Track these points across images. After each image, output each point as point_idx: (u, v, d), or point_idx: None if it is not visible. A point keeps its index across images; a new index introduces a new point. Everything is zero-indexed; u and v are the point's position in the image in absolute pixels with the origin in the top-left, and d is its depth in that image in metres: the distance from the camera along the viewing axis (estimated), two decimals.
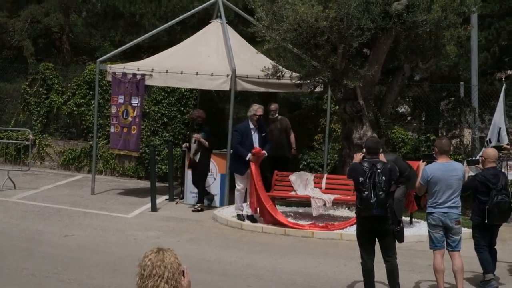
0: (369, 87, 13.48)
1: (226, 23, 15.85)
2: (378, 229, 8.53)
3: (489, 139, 13.60)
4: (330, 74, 13.15)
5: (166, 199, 15.39)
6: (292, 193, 13.63)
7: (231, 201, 14.11)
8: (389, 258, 8.60)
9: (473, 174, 10.12)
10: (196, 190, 14.67)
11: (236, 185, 13.48)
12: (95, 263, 10.34)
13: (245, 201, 13.45)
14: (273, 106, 15.53)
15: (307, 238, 12.32)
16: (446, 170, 8.84)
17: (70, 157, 19.10)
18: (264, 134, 13.64)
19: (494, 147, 12.16)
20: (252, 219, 13.21)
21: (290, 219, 13.08)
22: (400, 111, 18.26)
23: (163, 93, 17.82)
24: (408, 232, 11.11)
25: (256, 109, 13.59)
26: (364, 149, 8.92)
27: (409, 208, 12.79)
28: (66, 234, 12.18)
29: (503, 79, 16.13)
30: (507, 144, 12.78)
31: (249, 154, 13.08)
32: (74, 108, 19.22)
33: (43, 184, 16.94)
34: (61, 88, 19.58)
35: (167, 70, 14.87)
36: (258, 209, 13.15)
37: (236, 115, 15.46)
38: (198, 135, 14.36)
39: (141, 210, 14.39)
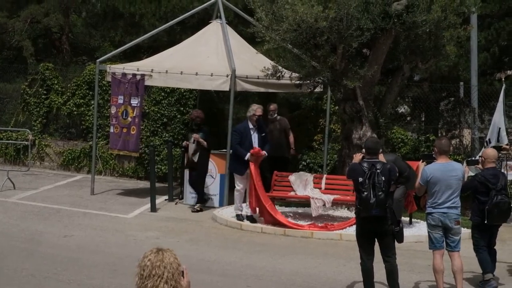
0: (368, 87, 13.49)
1: (226, 23, 15.85)
2: (377, 230, 8.53)
3: (489, 139, 13.61)
4: (330, 75, 13.15)
5: (165, 200, 15.39)
6: (292, 193, 13.63)
7: (231, 202, 14.12)
8: (388, 258, 8.61)
9: (472, 174, 10.12)
10: (193, 190, 14.68)
11: (236, 185, 13.48)
12: (95, 263, 10.34)
13: (244, 201, 13.45)
14: (272, 107, 15.54)
15: (307, 238, 12.32)
16: (445, 171, 8.84)
17: (70, 157, 19.10)
18: (263, 134, 13.64)
19: (494, 147, 12.16)
20: (251, 219, 13.21)
21: (289, 220, 13.08)
22: (400, 112, 18.27)
23: (162, 94, 17.83)
24: (407, 232, 11.11)
25: (256, 109, 13.59)
26: (363, 150, 8.93)
27: (409, 208, 12.79)
28: (66, 234, 12.18)
29: (503, 80, 16.13)
30: (507, 145, 12.78)
31: (248, 154, 13.08)
32: (74, 109, 19.21)
33: (42, 185, 16.93)
34: (61, 89, 19.58)
35: (166, 71, 14.87)
36: (257, 209, 13.15)
37: (235, 115, 15.46)
38: (197, 135, 14.36)
39: (141, 210, 14.39)
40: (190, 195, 14.86)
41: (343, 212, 13.90)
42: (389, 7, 12.44)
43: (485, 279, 9.42)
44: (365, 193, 8.34)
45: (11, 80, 21.55)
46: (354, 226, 9.42)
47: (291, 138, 15.59)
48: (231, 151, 13.92)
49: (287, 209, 14.15)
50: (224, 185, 14.68)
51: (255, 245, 11.82)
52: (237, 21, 17.93)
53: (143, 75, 14.96)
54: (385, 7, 12.44)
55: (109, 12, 22.93)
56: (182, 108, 17.65)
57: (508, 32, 17.24)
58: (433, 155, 9.20)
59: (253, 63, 14.96)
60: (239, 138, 13.40)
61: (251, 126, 13.53)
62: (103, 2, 23.22)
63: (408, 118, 18.32)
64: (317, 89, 14.90)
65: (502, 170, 11.94)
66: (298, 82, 13.97)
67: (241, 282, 9.67)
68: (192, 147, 14.45)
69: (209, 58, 15.19)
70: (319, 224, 12.83)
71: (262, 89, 15.36)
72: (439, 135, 16.61)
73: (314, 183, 13.55)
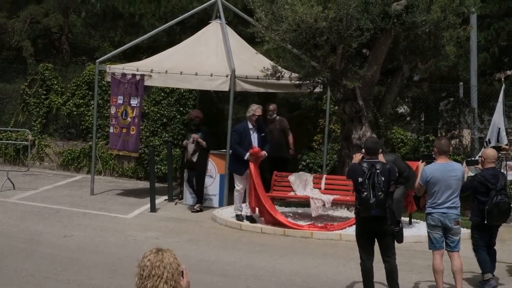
0: (368, 87, 13.49)
1: (226, 23, 15.85)
2: (377, 230, 8.54)
3: (489, 139, 13.60)
4: (330, 75, 13.16)
5: (165, 200, 15.39)
6: (291, 193, 13.63)
7: (230, 202, 14.12)
8: (388, 258, 8.61)
9: (472, 174, 10.12)
10: (191, 190, 14.68)
11: (236, 185, 13.48)
12: (94, 263, 10.34)
13: (244, 201, 13.45)
14: (271, 107, 15.55)
15: (306, 238, 12.32)
16: (445, 171, 8.84)
17: (70, 157, 19.10)
18: (263, 134, 13.64)
19: (493, 147, 12.16)
20: (251, 219, 13.21)
21: (289, 220, 13.08)
22: (400, 112, 18.27)
23: (162, 94, 17.83)
24: (407, 232, 11.10)
25: (255, 109, 13.59)
26: (363, 150, 8.93)
27: (408, 208, 12.79)
28: (66, 234, 12.18)
29: (503, 80, 16.13)
30: (506, 145, 12.79)
31: (248, 154, 13.08)
32: (74, 109, 19.21)
33: (42, 185, 16.93)
34: (61, 89, 19.58)
35: (166, 71, 14.87)
36: (256, 209, 13.15)
37: (235, 115, 15.46)
38: (196, 135, 14.36)
39: (140, 210, 14.39)
40: (189, 195, 14.86)
41: (343, 212, 13.91)
42: (388, 7, 12.44)
43: (485, 279, 9.43)
44: (365, 193, 8.34)
45: (10, 81, 21.54)
46: (354, 226, 9.42)
47: (290, 138, 15.59)
48: (230, 151, 13.92)
49: (286, 209, 14.15)
50: (223, 185, 14.68)
51: (255, 245, 11.82)
52: (236, 21, 17.92)
53: (142, 75, 14.96)
54: (385, 7, 12.44)
55: (108, 12, 22.92)
56: (181, 108, 17.65)
57: (507, 32, 17.24)
58: (433, 155, 9.20)
59: (252, 63, 14.96)
60: (239, 138, 13.40)
61: (250, 126, 13.52)
62: (103, 2, 23.22)
63: (408, 118, 18.32)
64: (317, 89, 14.90)
65: (502, 170, 11.94)
66: (297, 82, 13.97)
67: (240, 282, 9.67)
68: (191, 147, 14.45)
69: (209, 58, 15.20)
70: (319, 224, 12.83)
71: (261, 89, 15.36)
72: (439, 135, 16.61)
73: (313, 183, 13.55)
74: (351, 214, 13.05)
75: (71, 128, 19.76)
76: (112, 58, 17.43)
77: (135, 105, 15.09)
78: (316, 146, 16.88)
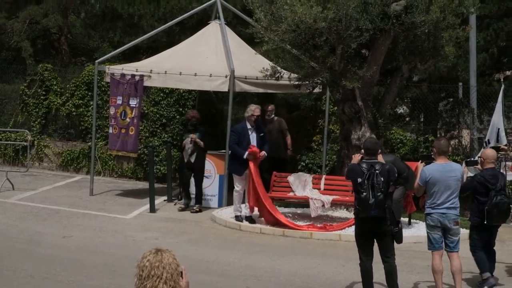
0: (367, 88, 13.49)
1: (225, 24, 15.85)
2: (376, 230, 8.54)
3: (488, 139, 13.61)
4: (329, 75, 13.16)
5: (164, 200, 15.39)
6: (291, 194, 13.63)
7: (230, 202, 14.11)
8: (387, 259, 8.61)
9: (471, 175, 10.12)
10: (185, 191, 14.70)
11: (235, 186, 13.48)
12: (94, 264, 10.34)
13: (243, 202, 13.45)
14: (270, 107, 15.56)
15: (306, 239, 12.32)
16: (444, 171, 8.84)
17: (69, 158, 19.10)
18: (262, 135, 13.63)
19: (492, 147, 12.16)
20: (250, 220, 13.21)
21: (289, 220, 13.07)
22: (399, 112, 18.27)
23: (161, 94, 17.83)
24: (406, 233, 11.10)
25: (254, 109, 13.58)
26: (362, 150, 8.93)
27: (408, 209, 12.79)
28: (65, 235, 12.18)
29: (502, 80, 16.15)
30: (505, 145, 12.79)
31: (246, 153, 13.06)
32: (73, 109, 19.21)
33: (41, 185, 16.92)
34: (60, 89, 19.57)
35: (165, 71, 14.86)
36: (255, 208, 13.15)
37: (234, 116, 15.47)
38: (194, 136, 14.36)
39: (140, 211, 14.39)
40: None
41: (342, 213, 13.91)
42: (388, 7, 12.44)
43: (484, 278, 9.43)
44: (364, 193, 8.34)
45: (10, 81, 21.54)
46: (353, 227, 9.42)
47: (288, 139, 15.60)
48: (230, 151, 13.92)
49: (286, 210, 14.15)
50: (223, 185, 14.68)
51: (254, 246, 11.82)
52: (236, 22, 17.92)
53: (142, 76, 14.96)
54: (384, 7, 12.44)
55: (108, 13, 22.92)
56: (181, 109, 17.65)
57: (506, 33, 17.25)
58: (432, 156, 9.20)
59: (252, 64, 14.96)
60: (237, 138, 13.40)
61: (249, 126, 13.52)
62: (102, 3, 23.22)
63: (407, 119, 18.32)
64: (316, 90, 14.89)
65: (501, 171, 11.96)
66: (297, 82, 13.98)
67: (240, 282, 9.67)
68: (189, 147, 14.43)
69: (208, 59, 15.20)
70: (318, 225, 12.83)
71: (261, 90, 15.37)
72: (438, 135, 16.61)
73: (313, 183, 13.56)
74: (350, 215, 13.04)
75: (70, 128, 19.76)
76: (111, 59, 17.43)
77: (134, 105, 15.08)
78: (315, 147, 16.88)
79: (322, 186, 13.49)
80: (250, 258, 10.98)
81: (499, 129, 13.48)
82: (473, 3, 13.41)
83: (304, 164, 16.36)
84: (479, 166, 9.78)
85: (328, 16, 12.07)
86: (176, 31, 20.38)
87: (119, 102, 15.27)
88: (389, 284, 8.68)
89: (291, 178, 13.68)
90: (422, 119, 18.11)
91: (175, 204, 15.04)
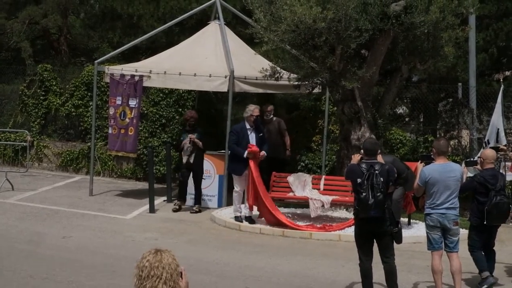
0: (367, 88, 13.49)
1: (224, 24, 15.84)
2: (376, 230, 8.54)
3: (488, 140, 13.62)
4: (328, 75, 13.16)
5: (164, 201, 15.39)
6: (290, 194, 13.63)
7: (229, 202, 14.11)
8: (387, 259, 8.61)
9: (471, 175, 10.12)
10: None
11: (234, 186, 13.48)
12: (93, 264, 10.34)
13: (243, 202, 13.44)
14: (269, 108, 15.55)
15: (305, 239, 12.32)
16: (444, 171, 8.84)
17: (68, 158, 19.09)
18: (261, 135, 13.62)
19: (491, 148, 12.17)
20: (250, 220, 13.21)
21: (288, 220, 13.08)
22: (398, 112, 18.28)
23: (161, 95, 17.82)
24: (406, 233, 11.09)
25: (253, 109, 13.58)
26: (362, 150, 8.93)
27: (407, 209, 12.79)
28: (64, 235, 12.18)
29: (501, 80, 16.15)
30: (505, 145, 12.79)
31: (246, 151, 13.05)
32: (72, 110, 19.21)
33: (41, 186, 16.92)
34: (59, 90, 19.57)
35: (165, 72, 14.86)
36: (254, 207, 13.14)
37: (234, 116, 15.46)
38: (193, 136, 14.35)
39: (139, 211, 14.38)
40: (188, 196, 14.84)
41: (342, 213, 13.91)
42: (387, 8, 12.44)
43: (483, 277, 9.43)
44: (364, 194, 8.34)
45: (9, 81, 21.55)
46: (353, 227, 9.42)
47: (287, 139, 15.60)
48: (229, 151, 13.92)
49: (285, 210, 14.14)
50: (222, 186, 14.68)
51: (254, 246, 11.82)
52: (235, 22, 17.91)
53: (141, 76, 14.96)
54: (384, 8, 12.44)
55: (107, 13, 22.89)
56: (180, 109, 17.64)
57: (506, 33, 17.25)
58: (432, 156, 9.20)
59: (251, 64, 14.96)
60: (236, 138, 13.39)
61: (248, 126, 13.51)
62: (101, 3, 23.19)
63: (407, 119, 18.33)
64: (316, 90, 14.89)
65: (501, 171, 11.96)
66: (296, 83, 13.97)
67: (239, 283, 9.67)
68: (188, 147, 14.42)
69: (208, 59, 15.19)
70: (318, 225, 12.83)
71: (260, 90, 15.37)
72: (438, 136, 16.61)
73: (312, 184, 13.55)
74: (350, 215, 13.04)
75: (70, 129, 19.76)
76: (111, 59, 17.43)
77: (134, 106, 15.08)
78: (315, 147, 16.88)
79: (321, 187, 13.49)
80: (249, 259, 10.98)
81: (498, 129, 13.49)
82: (472, 4, 13.41)
83: (303, 165, 16.36)
84: (478, 167, 9.78)
85: (327, 17, 12.07)
86: (176, 31, 20.37)
87: (119, 102, 15.26)
88: (388, 284, 8.68)
89: (291, 178, 13.68)
90: (421, 120, 18.12)
91: (174, 205, 15.02)
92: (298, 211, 14.12)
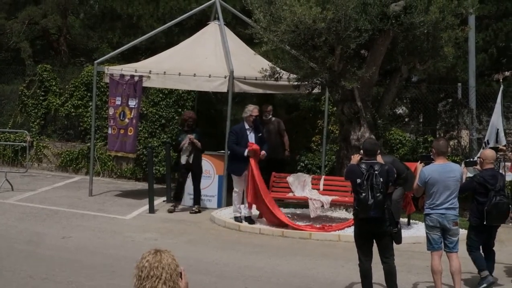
0: (366, 88, 13.49)
1: (224, 24, 15.84)
2: (375, 231, 8.54)
3: (487, 140, 13.62)
4: (328, 76, 13.16)
5: (163, 201, 15.39)
6: (290, 194, 13.63)
7: (229, 203, 14.11)
8: (386, 259, 8.60)
9: (471, 175, 10.12)
10: (177, 191, 14.70)
11: (234, 187, 13.47)
12: (93, 264, 10.34)
13: (242, 203, 13.44)
14: (268, 108, 15.55)
15: (305, 239, 12.32)
16: (443, 172, 8.84)
17: (68, 158, 19.09)
18: (260, 135, 13.62)
19: (491, 148, 12.17)
20: (249, 220, 13.21)
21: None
22: (398, 113, 18.27)
23: (160, 95, 17.82)
24: (405, 233, 11.09)
25: (252, 109, 13.58)
26: (361, 151, 8.93)
27: (407, 209, 12.79)
28: (64, 236, 12.17)
29: (501, 81, 16.15)
30: (504, 146, 12.80)
31: (247, 150, 13.04)
32: (72, 110, 19.21)
33: (40, 186, 16.92)
34: (59, 90, 19.57)
35: (164, 72, 14.86)
36: (253, 206, 13.14)
37: (233, 116, 15.46)
38: (191, 136, 14.35)
39: (139, 211, 14.38)
40: (188, 196, 14.84)
41: (342, 213, 13.91)
42: (387, 8, 12.44)
43: (482, 277, 9.43)
44: (363, 194, 8.34)
45: (9, 82, 21.54)
46: (352, 227, 9.42)
47: (286, 139, 15.59)
48: (229, 152, 13.91)
49: (285, 210, 14.11)
50: (222, 186, 14.68)
51: (253, 246, 11.82)
52: (235, 22, 17.91)
53: (141, 76, 14.95)
54: (383, 8, 12.44)
55: (107, 14, 22.89)
56: (180, 110, 17.62)
57: (505, 33, 17.25)
58: (431, 156, 9.20)
59: (251, 64, 14.96)
60: (236, 139, 13.39)
61: (247, 126, 13.50)
62: (101, 4, 23.19)
63: (406, 119, 18.32)
64: (315, 90, 14.89)
65: (500, 171, 11.96)
66: (296, 83, 13.97)
67: (239, 283, 9.67)
68: (187, 148, 14.41)
69: (207, 60, 15.19)
70: (317, 225, 12.83)
71: (260, 90, 15.37)
72: (437, 136, 16.61)
73: (312, 184, 13.55)
74: (349, 215, 13.04)
75: (69, 129, 19.76)
76: (110, 59, 17.43)
77: (133, 106, 15.08)
78: (314, 147, 16.88)
79: (321, 187, 13.49)
80: (249, 259, 10.98)
81: (498, 129, 13.49)
82: (472, 4, 13.41)
83: (303, 165, 16.36)
84: (478, 167, 9.78)
85: (327, 17, 12.07)
86: (175, 31, 20.37)
87: (118, 102, 15.26)
88: (388, 284, 8.68)
89: (290, 178, 13.67)
90: (421, 120, 18.12)
91: (171, 206, 15.01)
92: (298, 211, 14.12)
